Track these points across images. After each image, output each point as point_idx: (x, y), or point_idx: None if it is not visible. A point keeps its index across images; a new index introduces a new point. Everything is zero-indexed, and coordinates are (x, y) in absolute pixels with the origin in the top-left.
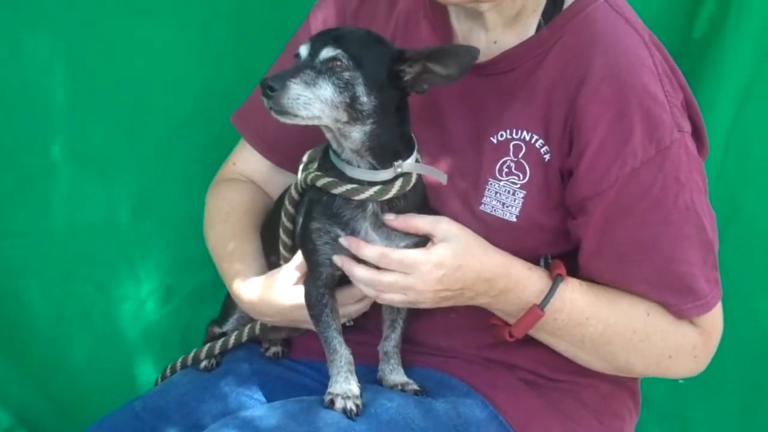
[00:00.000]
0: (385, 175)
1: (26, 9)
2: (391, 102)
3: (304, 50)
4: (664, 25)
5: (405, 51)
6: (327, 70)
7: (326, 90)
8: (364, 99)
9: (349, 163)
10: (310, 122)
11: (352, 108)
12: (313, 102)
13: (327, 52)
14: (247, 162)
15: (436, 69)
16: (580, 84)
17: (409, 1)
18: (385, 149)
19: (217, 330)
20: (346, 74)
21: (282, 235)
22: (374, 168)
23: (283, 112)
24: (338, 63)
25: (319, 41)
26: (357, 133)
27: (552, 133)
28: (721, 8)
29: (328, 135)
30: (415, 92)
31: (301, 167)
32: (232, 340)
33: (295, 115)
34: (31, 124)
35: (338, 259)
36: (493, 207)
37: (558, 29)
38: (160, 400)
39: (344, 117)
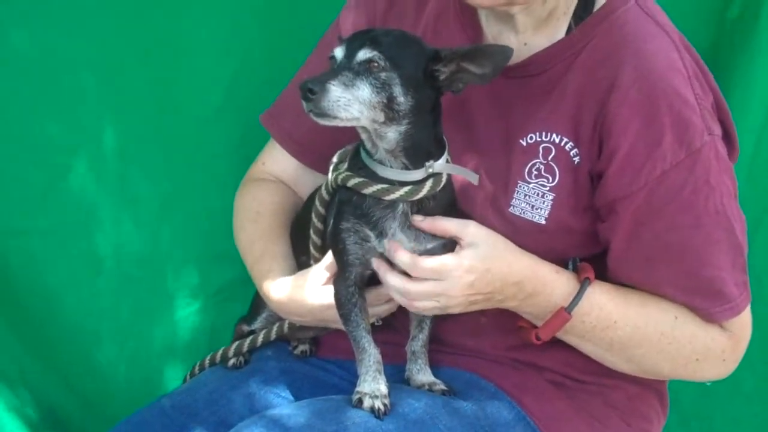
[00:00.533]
0: (417, 175)
1: (53, 8)
2: (427, 102)
3: (339, 52)
4: (693, 28)
5: (440, 50)
6: (364, 71)
7: (364, 91)
8: (401, 99)
9: (381, 163)
10: (348, 123)
11: (389, 108)
12: (352, 103)
13: (364, 54)
14: (277, 162)
15: (471, 68)
16: (610, 87)
17: (438, 3)
18: (419, 149)
19: (245, 328)
20: (383, 75)
21: (312, 235)
22: (407, 168)
23: (323, 115)
24: (375, 64)
25: (355, 43)
26: (392, 134)
27: (582, 136)
28: (751, 9)
29: (364, 136)
30: (450, 92)
31: (331, 167)
32: (260, 338)
33: (335, 117)
34: (60, 121)
35: (375, 263)
36: (522, 209)
37: (588, 31)
38: (188, 398)
39: (381, 117)
